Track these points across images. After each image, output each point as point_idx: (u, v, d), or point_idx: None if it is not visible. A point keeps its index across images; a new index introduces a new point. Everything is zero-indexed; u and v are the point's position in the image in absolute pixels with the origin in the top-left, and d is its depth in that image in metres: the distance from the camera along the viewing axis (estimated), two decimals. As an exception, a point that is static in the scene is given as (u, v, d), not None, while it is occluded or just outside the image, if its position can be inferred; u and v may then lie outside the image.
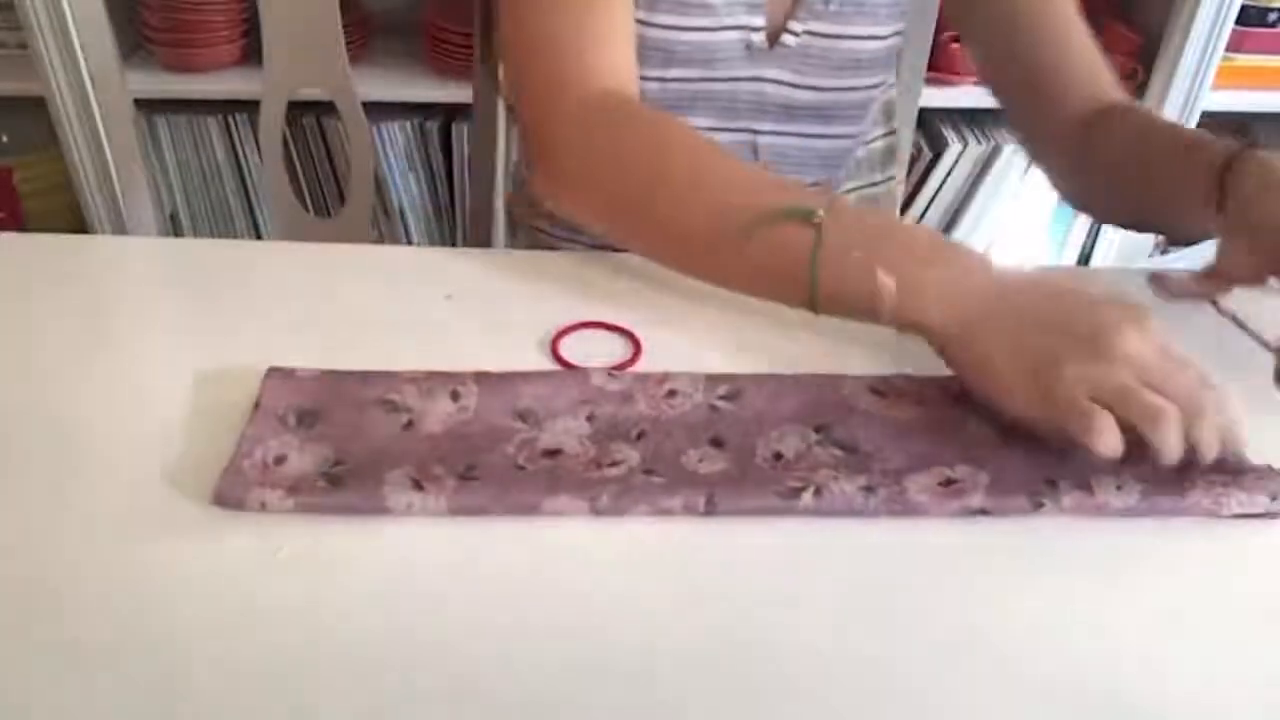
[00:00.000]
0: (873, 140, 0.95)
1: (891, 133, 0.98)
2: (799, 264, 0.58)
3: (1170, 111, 1.61)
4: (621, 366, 0.61)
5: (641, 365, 0.61)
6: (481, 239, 1.10)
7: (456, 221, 1.76)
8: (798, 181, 0.61)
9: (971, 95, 1.62)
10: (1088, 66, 0.81)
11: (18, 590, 0.46)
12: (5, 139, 1.69)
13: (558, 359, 0.61)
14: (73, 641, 0.44)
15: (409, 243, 1.77)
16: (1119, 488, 0.52)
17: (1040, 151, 0.87)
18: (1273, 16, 1.61)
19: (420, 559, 0.48)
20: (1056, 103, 0.81)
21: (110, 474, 0.53)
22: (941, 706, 0.43)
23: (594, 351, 0.62)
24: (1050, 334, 0.53)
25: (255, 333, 0.63)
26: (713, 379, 0.59)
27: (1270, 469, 0.53)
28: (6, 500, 0.51)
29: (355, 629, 0.45)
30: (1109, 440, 0.49)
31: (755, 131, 0.86)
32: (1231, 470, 0.53)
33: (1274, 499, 0.52)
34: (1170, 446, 0.49)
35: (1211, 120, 1.67)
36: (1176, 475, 0.52)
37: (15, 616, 0.45)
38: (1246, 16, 1.58)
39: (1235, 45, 1.59)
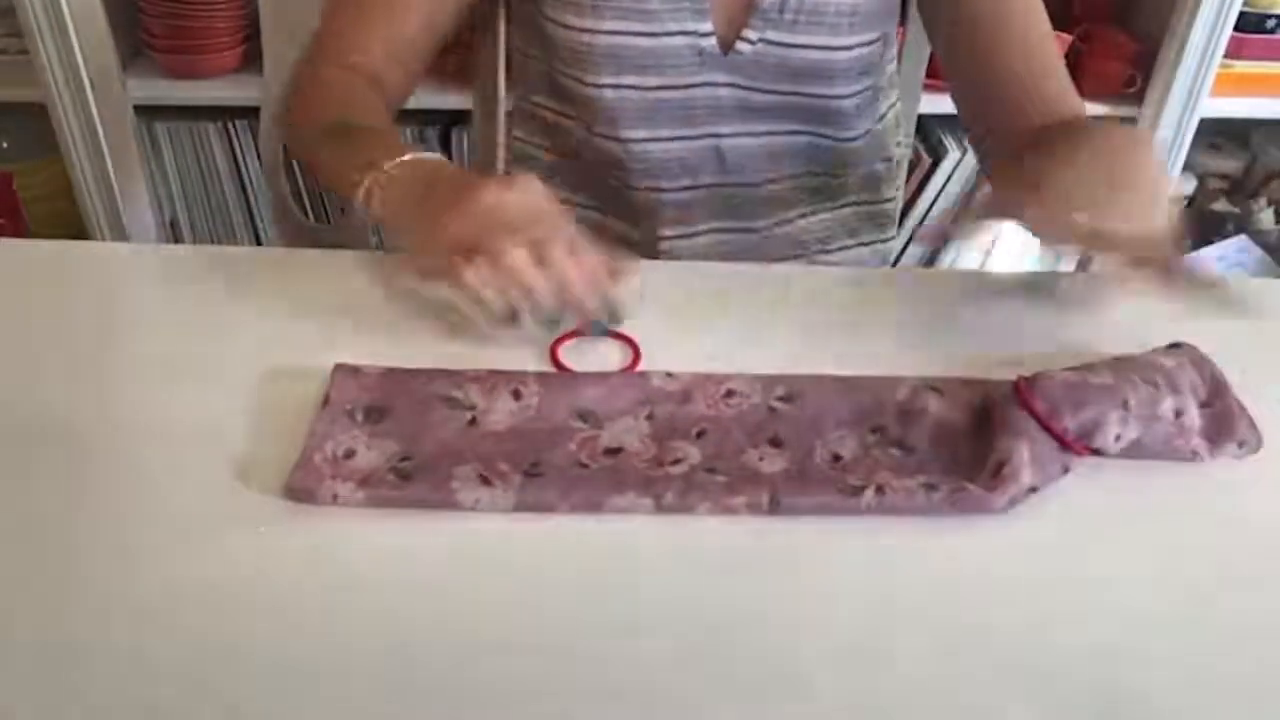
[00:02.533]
0: (873, 158, 0.94)
1: (888, 159, 0.97)
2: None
3: (1169, 117, 1.61)
4: (622, 371, 0.61)
5: (640, 370, 0.61)
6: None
7: (456, 227, 1.76)
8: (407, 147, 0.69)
9: (970, 102, 1.62)
10: (1050, 82, 0.78)
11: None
12: (6, 145, 1.69)
13: (557, 365, 0.62)
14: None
15: (409, 249, 1.76)
16: (1118, 437, 0.55)
17: (990, 155, 0.84)
18: (1271, 23, 1.61)
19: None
20: (1014, 114, 0.79)
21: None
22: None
23: (593, 357, 0.62)
24: (442, 206, 0.61)
25: (263, 337, 0.63)
26: (770, 380, 0.60)
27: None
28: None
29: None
30: (468, 279, 0.57)
31: (718, 135, 0.86)
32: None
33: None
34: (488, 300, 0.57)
35: (1212, 127, 1.68)
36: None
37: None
38: (1245, 23, 1.58)
39: (1234, 52, 1.59)
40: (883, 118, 0.94)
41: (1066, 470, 0.54)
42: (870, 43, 0.84)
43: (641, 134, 0.85)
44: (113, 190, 1.58)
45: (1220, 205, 1.80)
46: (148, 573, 0.48)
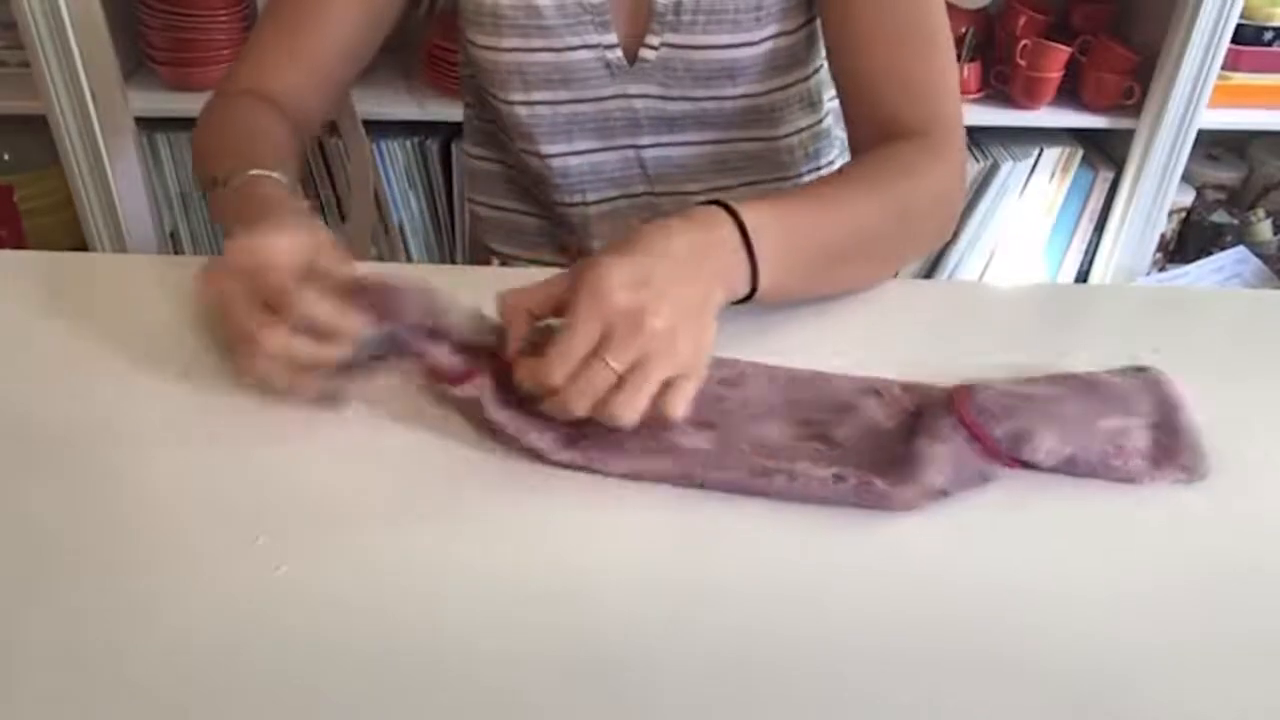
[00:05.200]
0: (820, 154, 0.93)
1: (814, 124, 0.93)
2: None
3: (1167, 128, 1.61)
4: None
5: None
6: (481, 257, 1.10)
7: (456, 239, 1.76)
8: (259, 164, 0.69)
9: (970, 113, 1.62)
10: (888, 95, 0.74)
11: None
12: (7, 157, 1.69)
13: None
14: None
15: (409, 260, 1.77)
16: (1049, 451, 0.54)
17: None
18: (1269, 35, 1.62)
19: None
20: (852, 115, 0.78)
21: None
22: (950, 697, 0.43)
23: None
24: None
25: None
26: (717, 362, 0.60)
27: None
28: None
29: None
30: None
31: (637, 147, 0.86)
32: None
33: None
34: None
35: (1209, 138, 1.68)
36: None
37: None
38: (1243, 35, 1.59)
39: (1232, 63, 1.60)
40: (828, 112, 0.92)
41: (987, 480, 0.54)
42: (785, 34, 0.81)
43: (559, 149, 0.85)
44: (113, 202, 1.58)
45: (1218, 216, 1.80)
46: (145, 578, 0.48)
